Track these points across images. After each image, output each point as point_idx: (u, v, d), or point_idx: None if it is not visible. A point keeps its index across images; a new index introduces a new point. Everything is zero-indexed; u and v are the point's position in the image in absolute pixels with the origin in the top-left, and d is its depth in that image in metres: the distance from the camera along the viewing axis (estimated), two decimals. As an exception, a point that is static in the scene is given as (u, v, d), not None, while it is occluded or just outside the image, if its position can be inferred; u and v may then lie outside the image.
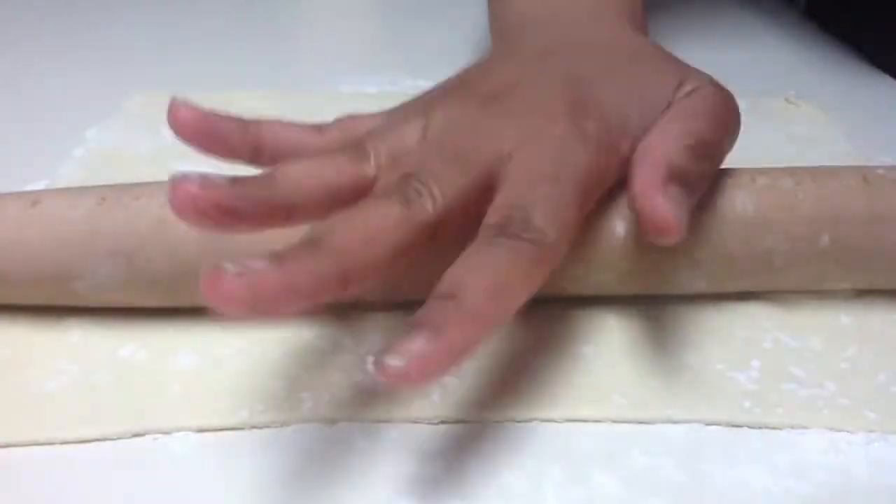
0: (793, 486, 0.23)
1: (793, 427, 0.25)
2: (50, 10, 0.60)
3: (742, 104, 0.45)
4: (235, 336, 0.28)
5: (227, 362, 0.27)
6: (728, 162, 0.30)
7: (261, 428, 0.25)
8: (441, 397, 0.25)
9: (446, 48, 0.51)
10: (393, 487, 0.23)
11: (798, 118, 0.44)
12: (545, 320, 0.29)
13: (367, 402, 0.25)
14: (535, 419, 0.25)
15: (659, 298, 0.30)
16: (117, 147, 0.40)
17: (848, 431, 0.25)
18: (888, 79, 0.49)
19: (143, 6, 0.62)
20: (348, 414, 0.25)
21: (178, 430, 0.24)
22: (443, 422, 0.25)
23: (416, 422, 0.25)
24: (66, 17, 0.60)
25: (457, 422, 0.25)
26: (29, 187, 0.36)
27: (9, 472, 0.23)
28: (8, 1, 0.60)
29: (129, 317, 0.28)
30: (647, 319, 0.29)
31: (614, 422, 0.25)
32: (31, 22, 0.58)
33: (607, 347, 0.28)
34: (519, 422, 0.25)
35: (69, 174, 0.38)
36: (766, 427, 0.25)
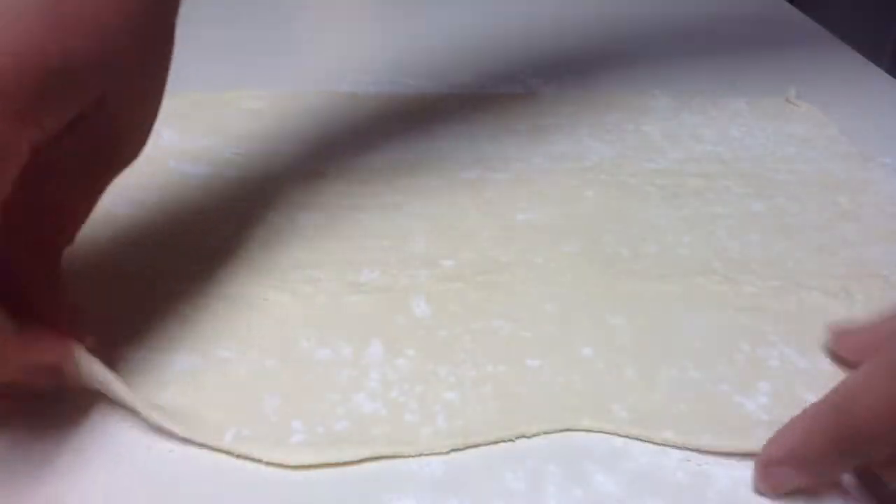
0: (793, 486, 0.23)
1: None
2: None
3: (742, 104, 0.46)
4: (236, 339, 0.28)
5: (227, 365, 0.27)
6: (729, 161, 0.29)
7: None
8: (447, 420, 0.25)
9: (446, 48, 0.51)
10: (393, 487, 0.23)
11: (798, 118, 0.44)
12: (544, 319, 0.29)
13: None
14: (539, 433, 0.24)
15: (660, 299, 0.30)
16: (117, 147, 0.40)
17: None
18: (888, 78, 0.49)
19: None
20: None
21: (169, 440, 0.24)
22: (454, 450, 0.24)
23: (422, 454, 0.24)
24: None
25: (465, 448, 0.24)
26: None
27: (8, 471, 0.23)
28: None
29: (129, 317, 0.28)
30: (649, 320, 0.29)
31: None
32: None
33: (608, 350, 0.27)
34: (527, 437, 0.24)
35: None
36: None
